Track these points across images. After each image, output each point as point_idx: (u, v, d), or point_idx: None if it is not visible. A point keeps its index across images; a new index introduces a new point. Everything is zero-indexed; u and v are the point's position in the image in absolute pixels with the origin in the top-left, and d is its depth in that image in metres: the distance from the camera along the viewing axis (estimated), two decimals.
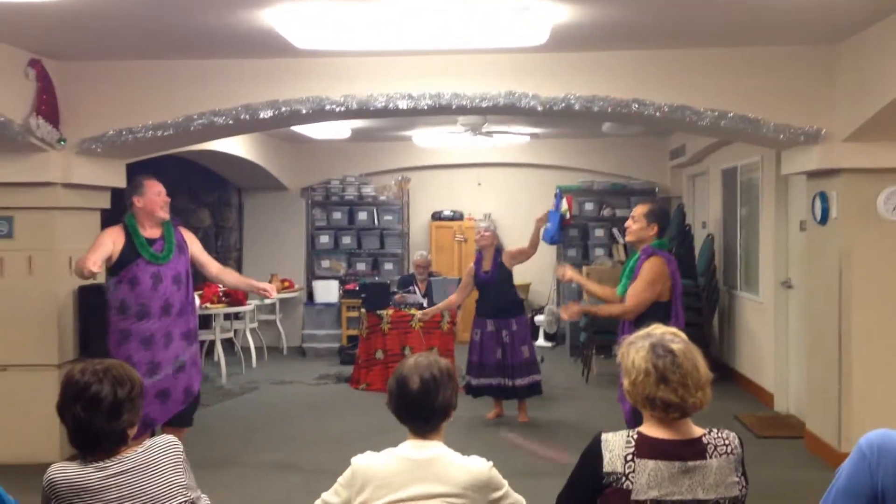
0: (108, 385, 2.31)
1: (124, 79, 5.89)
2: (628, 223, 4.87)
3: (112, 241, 4.80)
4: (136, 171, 5.79)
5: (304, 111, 5.78)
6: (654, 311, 4.63)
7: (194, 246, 5.12)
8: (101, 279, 5.68)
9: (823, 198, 5.72)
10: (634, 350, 2.29)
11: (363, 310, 8.59)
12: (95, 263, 4.62)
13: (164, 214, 4.94)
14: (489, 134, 8.98)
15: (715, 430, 2.30)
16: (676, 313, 4.70)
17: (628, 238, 4.92)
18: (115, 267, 4.85)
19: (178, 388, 4.87)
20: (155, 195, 4.92)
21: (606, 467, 2.23)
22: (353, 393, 8.27)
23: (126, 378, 2.37)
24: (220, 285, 5.38)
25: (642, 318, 4.67)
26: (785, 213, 7.26)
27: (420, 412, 2.45)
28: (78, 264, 4.72)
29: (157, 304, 4.79)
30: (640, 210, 4.84)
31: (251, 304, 9.39)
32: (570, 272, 5.17)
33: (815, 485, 2.33)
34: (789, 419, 6.97)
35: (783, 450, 6.07)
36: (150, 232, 4.89)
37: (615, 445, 2.25)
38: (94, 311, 5.80)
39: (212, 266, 5.20)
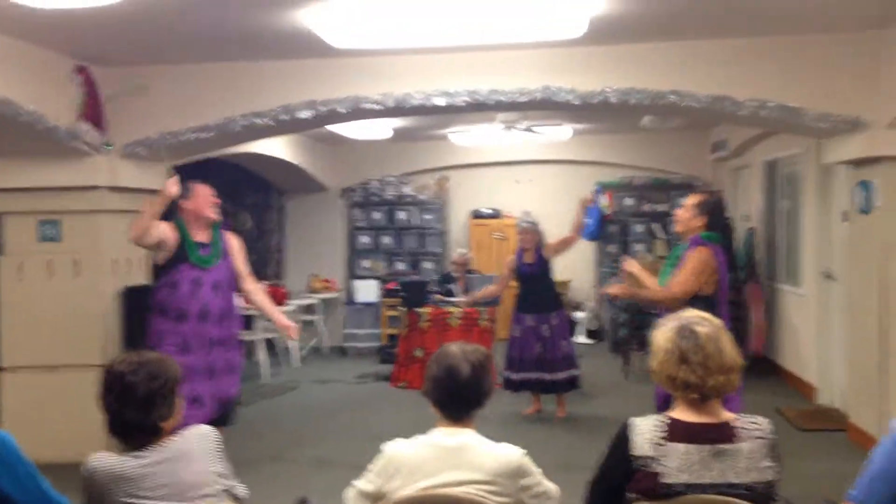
0: (142, 377, 2.34)
1: (166, 83, 6.02)
2: (678, 211, 4.80)
3: (165, 231, 4.77)
4: (180, 175, 5.91)
5: (341, 110, 5.85)
6: (695, 305, 4.54)
7: (238, 255, 5.11)
8: (147, 280, 5.79)
9: (866, 187, 5.63)
10: (661, 332, 2.30)
11: (403, 308, 8.64)
12: (147, 229, 4.64)
13: (213, 215, 4.93)
14: (527, 130, 8.96)
15: (746, 415, 2.29)
16: (720, 308, 4.61)
17: (677, 228, 4.85)
18: (161, 268, 4.89)
19: (211, 395, 4.88)
20: (203, 197, 4.93)
21: (636, 451, 2.24)
22: (392, 391, 8.33)
23: (161, 372, 2.38)
24: (249, 301, 5.27)
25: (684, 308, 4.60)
26: (827, 203, 7.16)
27: (469, 398, 2.49)
28: (136, 227, 4.73)
29: (195, 309, 4.80)
30: (691, 200, 4.77)
31: (291, 304, 9.50)
32: (634, 267, 5.07)
33: (856, 475, 2.31)
34: (832, 412, 6.87)
35: (826, 442, 6.01)
36: (199, 236, 4.89)
37: (645, 429, 2.26)
38: (139, 312, 5.91)
39: (248, 281, 5.15)
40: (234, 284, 5.05)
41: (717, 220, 4.82)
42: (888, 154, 5.36)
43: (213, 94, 5.99)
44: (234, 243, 5.11)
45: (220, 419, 4.96)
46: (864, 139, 5.41)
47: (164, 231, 4.77)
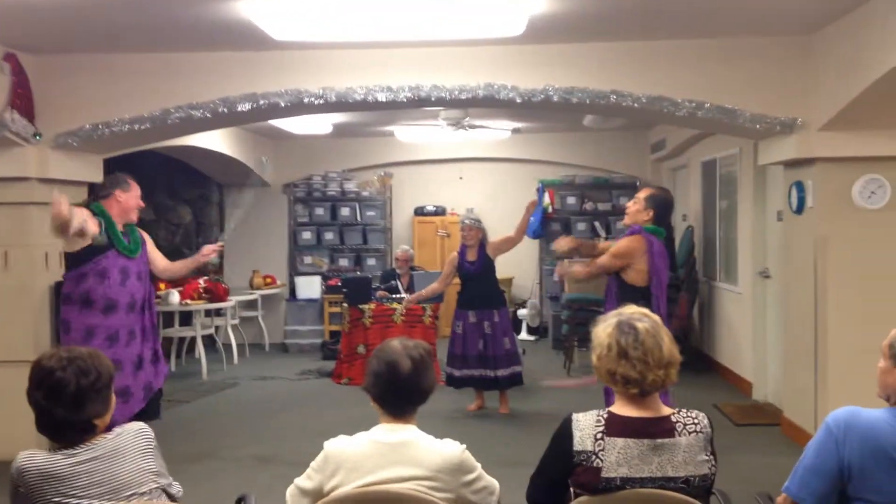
0: (71, 373, 2.26)
1: (101, 72, 5.85)
2: (629, 204, 4.88)
3: (85, 217, 4.61)
4: (115, 167, 5.77)
5: (282, 104, 5.76)
6: (631, 296, 4.62)
7: (149, 241, 5.09)
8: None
9: (800, 187, 5.77)
10: (602, 327, 2.32)
11: (345, 304, 8.58)
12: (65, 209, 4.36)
13: (135, 218, 4.94)
14: (469, 127, 8.97)
15: (684, 410, 2.32)
16: (657, 301, 4.68)
17: (625, 220, 4.91)
18: (81, 256, 4.67)
19: (138, 386, 4.78)
20: (135, 197, 4.91)
21: (577, 446, 2.25)
22: (335, 387, 8.26)
23: (92, 368, 2.30)
24: (171, 276, 5.30)
25: (622, 302, 4.67)
26: (763, 203, 7.32)
27: (410, 394, 2.46)
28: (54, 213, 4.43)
29: (125, 300, 4.70)
30: (642, 193, 4.86)
31: (232, 300, 9.35)
32: (565, 243, 5.18)
33: (790, 469, 2.36)
34: (767, 407, 7.03)
35: (760, 436, 6.15)
36: (117, 226, 4.83)
37: (585, 424, 2.27)
38: None
39: (161, 261, 5.15)
40: (150, 274, 5.06)
41: (664, 215, 4.90)
42: (821, 155, 5.49)
43: (149, 84, 5.84)
44: (143, 232, 5.10)
45: (148, 412, 4.86)
46: (798, 141, 5.53)
47: (84, 217, 4.61)
